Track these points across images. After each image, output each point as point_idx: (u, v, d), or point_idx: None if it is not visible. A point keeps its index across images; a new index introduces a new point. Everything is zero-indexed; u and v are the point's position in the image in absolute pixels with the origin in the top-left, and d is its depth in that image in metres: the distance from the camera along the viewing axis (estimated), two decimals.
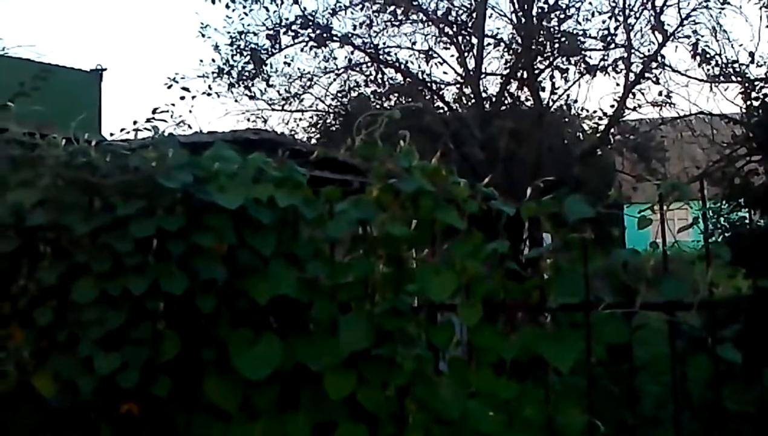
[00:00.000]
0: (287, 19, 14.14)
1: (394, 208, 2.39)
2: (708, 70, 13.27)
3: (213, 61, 14.53)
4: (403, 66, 14.63)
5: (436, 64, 14.59)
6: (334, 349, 2.22)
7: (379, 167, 2.42)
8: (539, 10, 13.65)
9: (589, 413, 2.26)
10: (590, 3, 18.86)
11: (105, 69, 12.56)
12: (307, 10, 14.09)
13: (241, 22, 14.32)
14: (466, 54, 14.13)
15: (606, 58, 13.75)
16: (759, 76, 12.17)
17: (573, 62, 13.75)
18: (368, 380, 2.23)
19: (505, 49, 14.58)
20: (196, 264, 2.22)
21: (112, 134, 2.60)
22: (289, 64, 14.85)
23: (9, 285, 2.30)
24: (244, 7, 14.14)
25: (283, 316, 2.37)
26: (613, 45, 13.65)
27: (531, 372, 2.36)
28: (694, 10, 13.28)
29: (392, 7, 14.23)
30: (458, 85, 15.01)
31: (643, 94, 13.81)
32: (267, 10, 14.13)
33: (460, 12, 14.30)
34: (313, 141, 15.79)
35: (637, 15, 13.56)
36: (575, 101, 14.96)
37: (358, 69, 15.11)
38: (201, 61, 14.93)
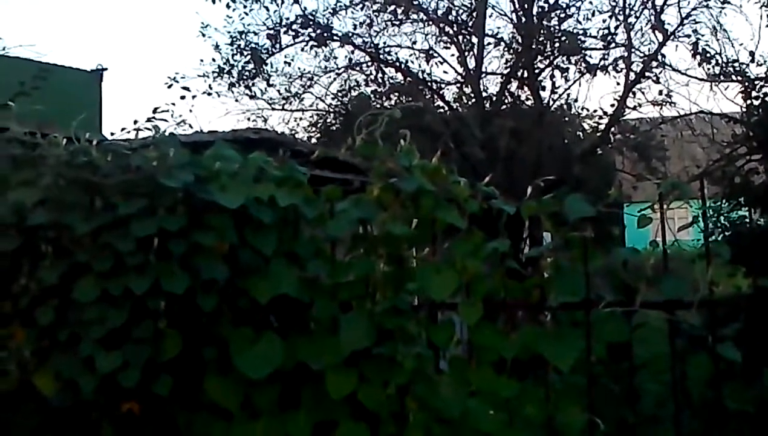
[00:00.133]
0: (288, 19, 14.15)
1: (394, 207, 2.39)
2: (708, 69, 13.27)
3: (213, 60, 14.55)
4: (403, 65, 14.63)
5: (436, 63, 14.60)
6: (335, 348, 2.22)
7: (380, 166, 2.42)
8: (539, 10, 13.65)
9: (589, 411, 2.27)
10: (590, 2, 18.82)
11: (105, 69, 12.59)
12: (308, 10, 14.10)
13: (241, 21, 14.34)
14: (466, 53, 14.13)
15: (606, 57, 13.75)
16: (759, 76, 12.17)
17: (573, 61, 13.74)
18: (369, 378, 2.24)
19: (506, 49, 14.58)
20: (198, 263, 2.22)
21: (112, 134, 2.61)
22: (289, 64, 14.87)
23: (10, 284, 2.31)
24: (245, 6, 14.15)
25: (284, 315, 2.37)
26: (613, 44, 13.65)
27: (531, 371, 2.36)
28: (694, 9, 13.28)
29: (392, 7, 14.22)
30: (458, 85, 15.02)
31: (643, 93, 13.81)
32: (267, 9, 14.15)
33: (461, 11, 14.31)
34: (314, 140, 15.79)
35: (638, 14, 13.57)
36: (575, 100, 14.96)
37: (358, 68, 15.11)
38: (201, 60, 14.95)
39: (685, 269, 2.38)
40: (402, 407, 2.27)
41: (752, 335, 3.25)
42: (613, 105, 13.75)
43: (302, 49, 14.57)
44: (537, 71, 13.87)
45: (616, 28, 13.56)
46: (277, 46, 14.40)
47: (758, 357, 3.19)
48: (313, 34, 14.14)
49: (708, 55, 13.17)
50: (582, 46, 13.69)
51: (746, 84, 12.06)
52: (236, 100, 14.91)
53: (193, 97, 11.88)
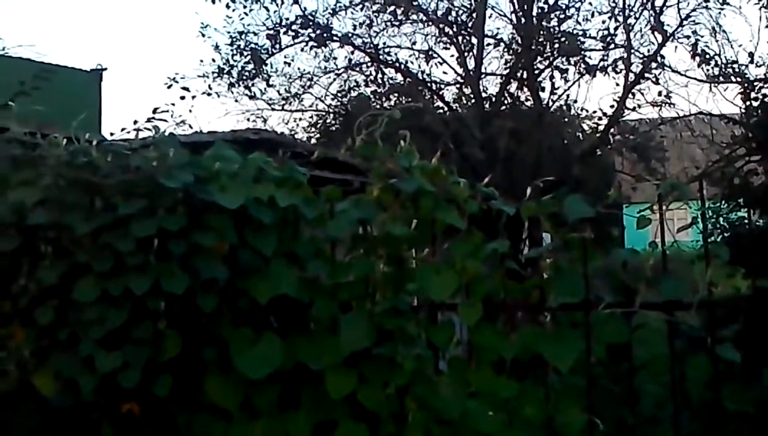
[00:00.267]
0: (287, 19, 14.16)
1: (394, 207, 2.39)
2: (707, 70, 13.30)
3: (213, 61, 14.57)
4: (403, 66, 14.64)
5: (436, 64, 14.62)
6: (335, 348, 2.23)
7: (380, 167, 2.42)
8: (539, 11, 13.66)
9: (588, 412, 2.27)
10: (590, 3, 18.93)
11: (105, 69, 12.57)
12: (308, 10, 14.11)
13: (241, 22, 14.35)
14: (466, 54, 14.14)
15: (606, 58, 13.78)
16: (758, 77, 12.19)
17: (573, 62, 13.76)
18: (369, 379, 2.24)
19: (505, 49, 14.60)
20: (197, 264, 2.22)
21: (112, 134, 2.61)
22: (289, 64, 14.89)
23: (10, 284, 2.30)
24: (245, 7, 14.16)
25: (283, 315, 2.37)
26: (612, 45, 13.67)
27: (531, 371, 2.36)
28: (693, 10, 13.31)
29: (392, 7, 14.24)
30: (458, 85, 15.03)
31: (642, 94, 13.84)
32: (267, 10, 14.16)
33: (460, 12, 14.32)
34: (313, 141, 15.80)
35: (637, 15, 13.59)
36: (575, 101, 15.00)
37: (358, 69, 15.12)
38: (201, 61, 14.99)
39: (684, 270, 2.39)
40: (401, 407, 2.27)
41: (751, 336, 3.26)
42: (612, 106, 13.79)
43: (302, 50, 14.61)
44: (536, 72, 13.88)
45: (616, 29, 13.59)
46: (277, 46, 14.42)
47: (757, 358, 3.19)
48: (313, 35, 14.15)
49: (707, 56, 13.19)
50: (581, 47, 13.71)
51: (745, 85, 12.07)
52: (236, 101, 14.94)
53: (193, 97, 11.93)
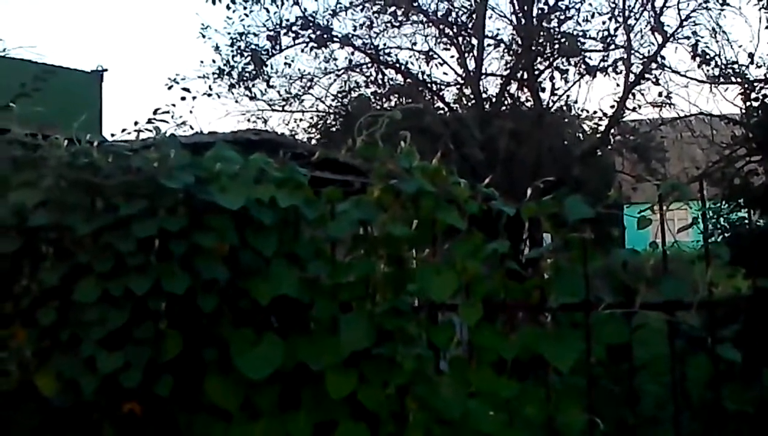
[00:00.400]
0: (288, 20, 14.17)
1: (395, 208, 2.40)
2: (707, 71, 13.30)
3: (213, 62, 14.58)
4: (403, 67, 14.65)
5: (436, 64, 14.63)
6: (335, 348, 2.23)
7: (380, 168, 2.43)
8: (539, 11, 13.66)
9: (589, 412, 2.27)
10: (590, 4, 18.94)
11: (106, 70, 12.60)
12: (308, 11, 14.13)
13: (241, 23, 14.36)
14: (466, 55, 14.14)
15: (606, 58, 13.79)
16: (758, 77, 12.19)
17: (573, 63, 13.77)
18: (369, 379, 2.24)
19: (505, 50, 14.60)
20: (198, 264, 2.23)
21: (113, 135, 2.61)
22: (289, 65, 14.90)
23: (11, 285, 2.31)
24: (245, 8, 14.17)
25: (284, 316, 2.38)
26: (612, 46, 13.68)
27: (531, 372, 2.36)
28: (693, 11, 13.31)
29: (392, 8, 14.24)
30: (458, 86, 15.04)
31: (642, 94, 13.85)
32: (267, 11, 14.17)
33: (461, 13, 14.32)
34: (314, 142, 15.80)
35: (637, 16, 13.59)
36: (575, 102, 14.98)
37: (358, 70, 15.14)
38: (201, 62, 15.01)
39: (684, 271, 2.39)
40: (402, 407, 2.27)
41: (752, 336, 3.26)
42: (612, 106, 13.79)
43: (302, 51, 14.62)
44: (537, 73, 13.89)
45: (616, 29, 13.60)
46: (277, 47, 14.43)
47: (758, 358, 3.19)
48: (313, 36, 14.15)
49: (707, 56, 13.19)
50: (582, 47, 13.71)
51: (745, 86, 12.07)
52: (236, 102, 14.95)
53: (194, 98, 11.94)
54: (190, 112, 11.65)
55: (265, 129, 13.66)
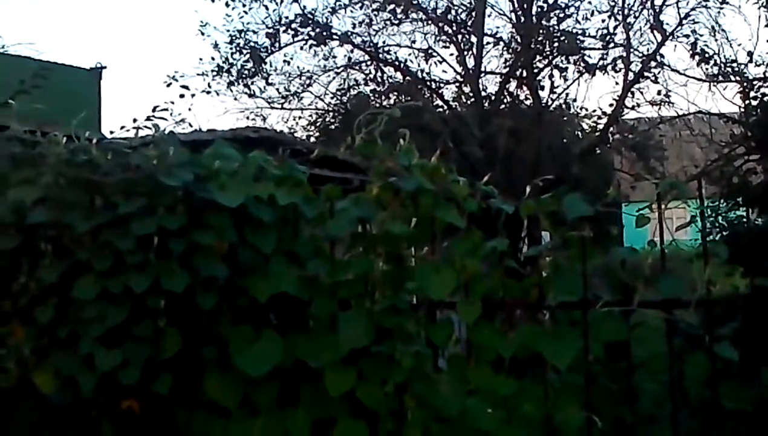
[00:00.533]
0: (287, 18, 14.16)
1: (394, 206, 2.40)
2: (707, 69, 13.30)
3: (212, 59, 14.54)
4: (402, 64, 14.63)
5: (435, 62, 14.61)
6: (334, 346, 2.23)
7: (379, 166, 2.43)
8: (538, 9, 13.66)
9: (587, 410, 2.28)
10: (589, 2, 18.79)
11: (105, 67, 12.58)
12: (307, 9, 14.11)
13: (240, 20, 14.33)
14: (465, 53, 14.14)
15: (605, 57, 13.78)
16: (757, 76, 12.21)
17: (572, 61, 13.76)
18: (368, 376, 2.24)
19: (505, 48, 14.59)
20: (197, 262, 2.23)
21: (112, 132, 2.61)
22: (288, 63, 14.87)
23: (10, 283, 2.31)
24: (244, 5, 14.14)
25: (283, 313, 2.38)
26: (612, 44, 13.68)
27: (529, 369, 2.37)
28: (693, 9, 13.31)
29: (392, 6, 14.22)
30: (457, 84, 15.03)
31: (642, 93, 13.85)
32: (266, 8, 14.15)
33: (460, 11, 14.32)
34: (313, 139, 15.79)
35: (636, 14, 13.59)
36: (574, 100, 14.96)
37: (357, 67, 15.12)
38: (200, 59, 14.91)
39: (682, 269, 2.39)
40: (400, 405, 2.28)
41: (750, 335, 3.27)
42: (611, 105, 13.80)
43: (301, 48, 14.60)
44: (536, 71, 13.89)
45: (615, 28, 13.59)
46: (276, 44, 14.41)
47: (756, 356, 3.20)
48: (312, 33, 14.14)
49: (706, 55, 13.20)
50: (581, 45, 13.71)
51: (744, 84, 12.09)
52: (235, 99, 14.93)
53: (192, 95, 11.90)
54: (189, 109, 11.63)
55: (264, 127, 13.64)
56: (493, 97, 14.30)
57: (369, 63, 14.92)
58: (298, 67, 15.06)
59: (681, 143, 14.33)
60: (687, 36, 13.36)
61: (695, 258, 2.32)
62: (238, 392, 2.24)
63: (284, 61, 14.83)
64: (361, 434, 2.23)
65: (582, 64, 13.68)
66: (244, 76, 14.55)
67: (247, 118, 15.46)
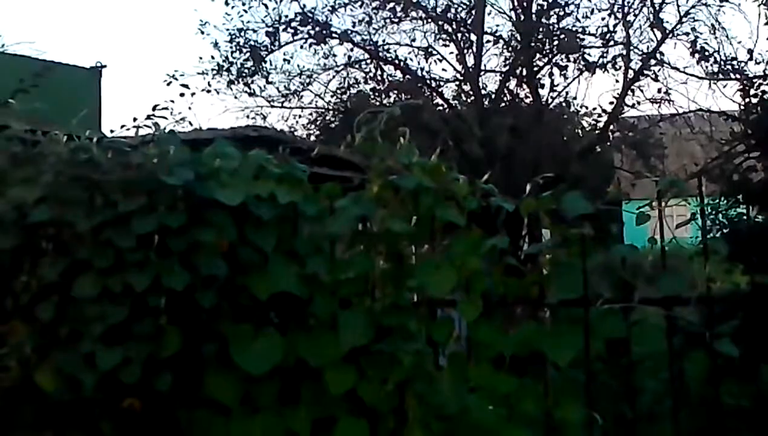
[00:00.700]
0: (286, 16, 14.14)
1: (394, 204, 2.40)
2: (707, 67, 13.31)
3: (212, 58, 14.53)
4: (402, 63, 14.63)
5: (435, 61, 14.61)
6: (334, 344, 2.23)
7: (379, 164, 2.43)
8: (538, 8, 13.66)
9: (587, 407, 2.28)
10: (589, 0, 18.84)
11: (105, 66, 12.60)
12: (307, 7, 14.10)
13: (240, 19, 14.32)
14: (465, 51, 14.13)
15: (605, 55, 13.78)
16: (757, 74, 12.20)
17: (572, 59, 13.76)
18: (368, 375, 2.24)
19: (505, 47, 14.58)
20: (198, 260, 2.23)
21: (112, 131, 2.61)
22: (288, 61, 14.86)
23: (11, 281, 2.31)
24: (244, 4, 14.14)
25: (284, 311, 2.38)
26: (612, 42, 13.68)
27: (530, 367, 2.37)
28: (693, 7, 13.32)
29: (391, 4, 14.22)
30: (457, 83, 15.01)
31: (642, 91, 13.85)
32: (266, 7, 14.13)
33: (460, 9, 14.30)
34: (313, 138, 15.79)
35: (636, 12, 13.60)
36: (574, 98, 14.97)
37: (357, 66, 15.11)
38: (200, 58, 14.86)
39: (683, 266, 2.39)
40: (401, 403, 2.28)
41: (750, 332, 3.27)
42: (611, 103, 13.80)
43: (301, 47, 14.59)
44: (536, 69, 13.88)
45: (615, 26, 13.60)
46: (276, 43, 14.40)
47: (756, 354, 3.20)
48: (312, 32, 14.13)
49: (706, 53, 13.20)
50: (581, 44, 13.71)
51: (744, 82, 12.09)
52: (235, 98, 14.93)
53: (192, 94, 11.91)
54: (189, 108, 11.66)
55: (264, 125, 13.64)
56: (493, 96, 14.29)
57: (369, 61, 14.92)
58: (298, 66, 15.08)
59: (681, 141, 14.34)
60: (687, 34, 13.37)
61: (695, 256, 2.33)
62: (238, 390, 2.24)
63: (284, 59, 14.84)
64: (362, 433, 2.23)
65: (582, 63, 13.68)
66: (244, 74, 14.55)
67: (247, 116, 15.46)
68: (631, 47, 13.47)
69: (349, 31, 14.42)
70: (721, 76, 13.16)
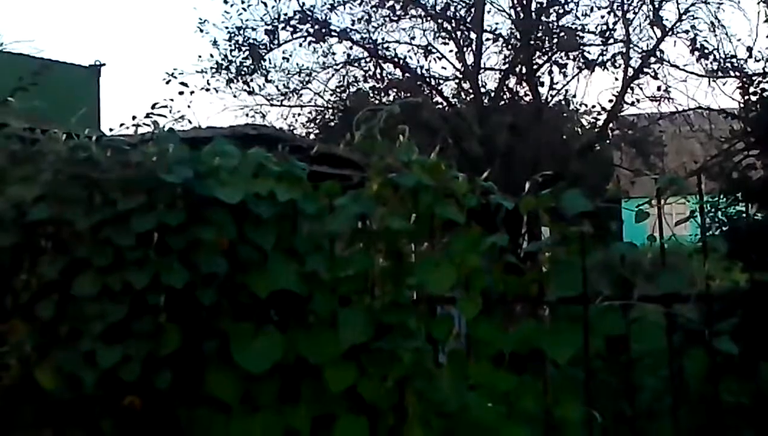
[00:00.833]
0: (285, 15, 14.13)
1: (393, 202, 2.40)
2: (706, 65, 13.31)
3: (211, 56, 14.52)
4: (401, 61, 14.62)
5: (434, 59, 14.60)
6: (334, 342, 2.24)
7: (379, 162, 2.43)
8: (538, 6, 13.65)
9: (586, 405, 2.28)
10: None
11: (104, 64, 12.59)
12: (306, 6, 14.09)
13: (239, 17, 14.31)
14: (464, 49, 14.12)
15: (605, 53, 13.79)
16: (757, 71, 12.21)
17: (572, 57, 13.76)
18: (368, 372, 2.25)
19: (504, 45, 14.57)
20: (197, 258, 2.23)
21: (111, 129, 2.61)
22: (287, 60, 14.85)
23: (11, 279, 2.31)
24: (243, 2, 14.14)
25: (283, 309, 2.38)
26: (611, 40, 13.69)
27: (529, 364, 2.37)
28: (692, 5, 13.31)
29: (391, 2, 14.21)
30: (457, 81, 15.00)
31: (641, 88, 13.86)
32: (265, 5, 14.13)
33: (459, 7, 14.29)
34: (312, 136, 15.78)
35: (636, 10, 13.60)
36: (574, 96, 14.98)
37: (356, 64, 15.10)
38: (199, 56, 14.85)
39: (682, 264, 2.40)
40: (401, 400, 2.28)
41: (749, 330, 3.27)
42: (611, 101, 13.80)
43: (300, 45, 14.58)
44: (535, 67, 13.88)
45: (615, 24, 13.60)
46: (275, 41, 14.40)
47: (755, 351, 3.20)
48: (312, 30, 14.13)
49: (706, 50, 13.20)
50: (580, 42, 13.70)
51: (744, 80, 12.09)
52: (234, 96, 14.92)
53: (192, 93, 11.91)
54: (188, 106, 11.62)
55: (264, 124, 13.63)
56: (492, 94, 14.28)
57: (368, 60, 14.91)
58: (297, 64, 15.07)
59: (680, 139, 14.34)
60: (686, 32, 13.37)
61: (695, 253, 2.33)
62: (238, 388, 2.25)
63: (283, 58, 14.83)
64: (362, 430, 2.24)
65: (581, 60, 13.69)
66: (243, 73, 14.54)
67: (247, 115, 15.46)
68: (631, 45, 13.48)
69: (349, 29, 14.43)
70: (720, 73, 13.16)
